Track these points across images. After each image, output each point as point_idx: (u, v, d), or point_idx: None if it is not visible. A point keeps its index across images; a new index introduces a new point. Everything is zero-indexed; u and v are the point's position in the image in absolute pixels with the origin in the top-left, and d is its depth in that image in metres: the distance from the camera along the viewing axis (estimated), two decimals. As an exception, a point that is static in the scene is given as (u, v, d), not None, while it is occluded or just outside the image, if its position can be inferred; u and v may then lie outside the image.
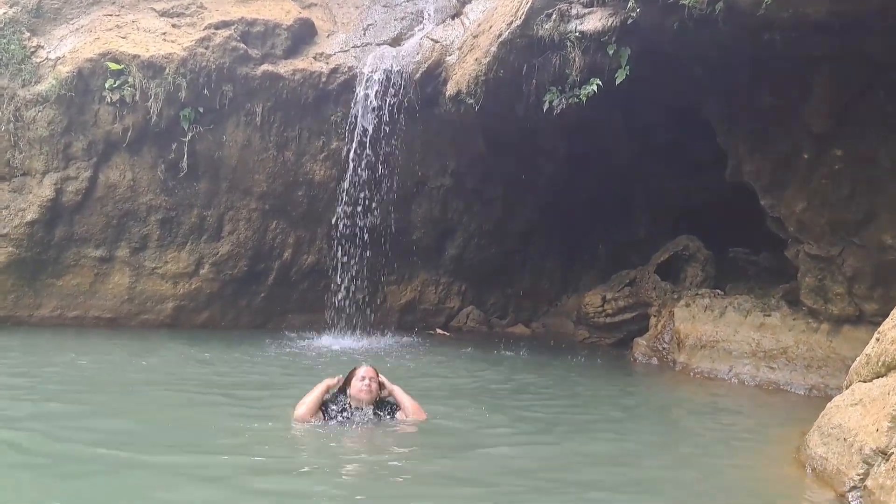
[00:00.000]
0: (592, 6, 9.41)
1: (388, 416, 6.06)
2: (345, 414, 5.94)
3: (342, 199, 11.76)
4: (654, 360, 10.99)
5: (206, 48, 10.69)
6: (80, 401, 6.58)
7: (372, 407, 6.02)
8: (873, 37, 7.54)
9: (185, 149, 10.86)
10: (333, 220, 11.89)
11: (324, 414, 5.92)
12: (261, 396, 7.13)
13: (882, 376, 4.94)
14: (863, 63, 8.21)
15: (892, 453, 4.13)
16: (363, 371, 6.08)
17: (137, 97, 10.40)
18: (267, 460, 5.06)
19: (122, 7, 11.14)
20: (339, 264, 12.00)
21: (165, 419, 6.11)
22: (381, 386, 6.12)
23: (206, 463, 4.96)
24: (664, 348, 11.04)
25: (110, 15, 10.97)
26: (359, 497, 4.52)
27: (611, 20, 9.18)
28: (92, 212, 10.75)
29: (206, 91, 10.72)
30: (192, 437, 5.61)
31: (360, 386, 5.99)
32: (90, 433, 5.46)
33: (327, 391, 6.04)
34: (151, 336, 10.56)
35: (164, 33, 10.90)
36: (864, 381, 5.18)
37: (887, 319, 5.20)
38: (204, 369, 8.50)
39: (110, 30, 10.75)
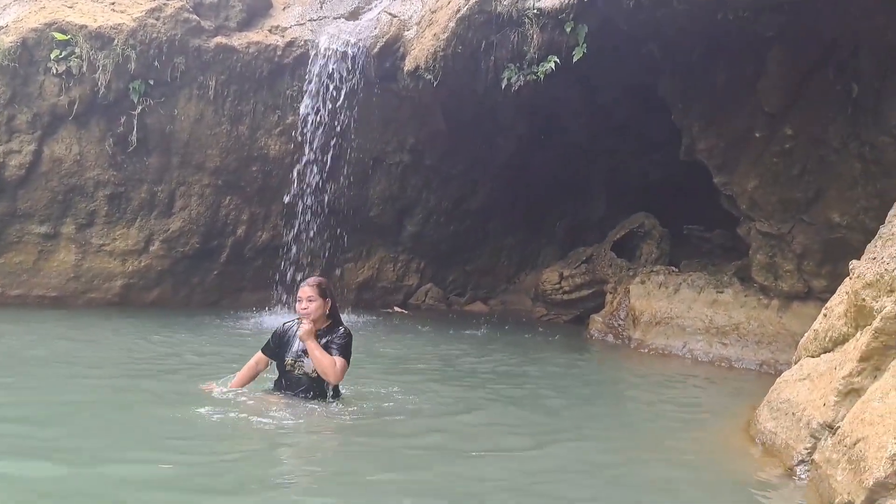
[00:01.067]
0: (551, -18, 9.37)
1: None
2: (300, 345, 5.61)
3: (297, 175, 11.60)
4: (610, 337, 11.11)
5: (157, 19, 10.40)
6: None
7: (325, 332, 5.62)
8: (824, 16, 7.63)
9: (135, 122, 10.57)
10: (288, 197, 11.72)
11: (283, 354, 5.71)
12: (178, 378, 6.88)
13: (829, 351, 5.02)
14: (813, 42, 8.31)
15: (839, 427, 4.21)
16: (300, 292, 5.64)
17: (85, 69, 10.08)
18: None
19: (69, -25, 10.77)
20: (294, 241, 11.86)
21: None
22: (325, 300, 5.61)
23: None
24: (620, 325, 11.16)
25: (56, -17, 10.60)
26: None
27: (568, -3, 9.15)
28: (36, 187, 10.42)
29: (156, 63, 10.44)
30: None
31: (299, 309, 5.61)
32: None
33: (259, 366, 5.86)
34: (90, 315, 10.22)
35: (112, 3, 10.56)
36: (812, 357, 5.27)
37: (834, 296, 5.29)
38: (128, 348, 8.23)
39: (56, -1, 10.39)
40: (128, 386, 6.31)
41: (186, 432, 4.94)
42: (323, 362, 5.47)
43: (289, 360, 5.72)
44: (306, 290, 5.61)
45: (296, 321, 5.75)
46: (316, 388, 5.71)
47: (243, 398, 5.73)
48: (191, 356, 7.93)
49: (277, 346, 5.81)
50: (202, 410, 5.35)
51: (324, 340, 5.59)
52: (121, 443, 4.63)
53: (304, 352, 5.62)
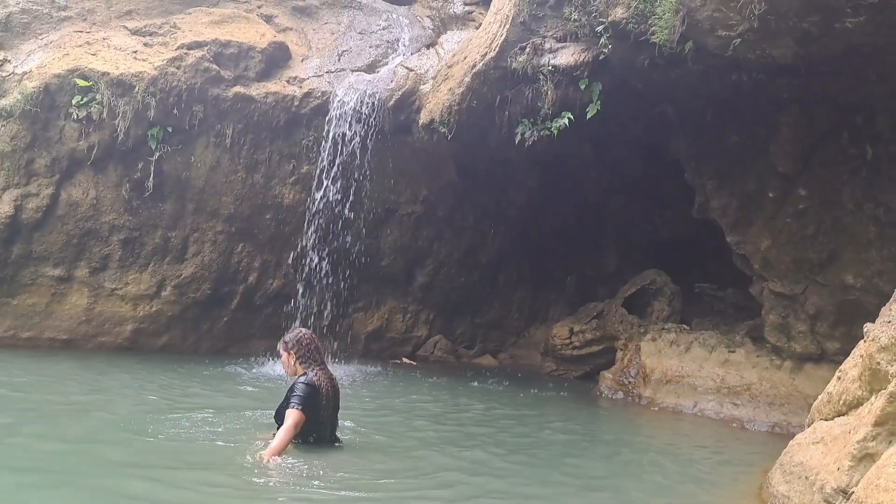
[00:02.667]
0: (566, 41, 9.53)
1: None
2: None
3: (310, 224, 11.66)
4: (620, 395, 10.97)
5: (178, 68, 10.60)
6: None
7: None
8: (838, 80, 7.69)
9: (152, 168, 10.70)
10: (301, 245, 11.77)
11: None
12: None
13: (843, 415, 4.94)
14: (828, 106, 8.36)
15: (853, 492, 4.11)
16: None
17: (105, 115, 10.25)
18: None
19: (94, 24, 11.03)
20: (305, 290, 11.86)
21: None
22: (288, 352, 5.99)
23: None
24: (630, 382, 11.03)
25: (81, 31, 10.85)
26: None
27: (583, 55, 9.30)
28: (52, 230, 10.51)
29: (175, 111, 10.61)
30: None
31: None
32: None
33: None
34: (97, 359, 10.21)
35: (135, 52, 10.79)
36: (826, 420, 5.18)
37: (848, 358, 5.22)
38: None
39: (80, 46, 10.62)
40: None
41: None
42: (279, 443, 5.55)
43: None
44: (279, 345, 6.11)
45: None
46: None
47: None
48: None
49: None
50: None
51: (289, 392, 5.85)
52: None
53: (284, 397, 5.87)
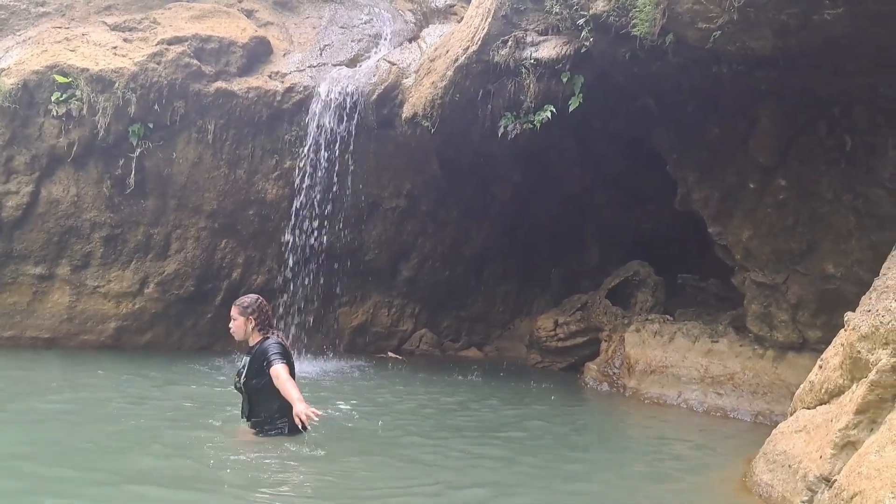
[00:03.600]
0: (547, 34, 9.55)
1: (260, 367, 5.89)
2: (241, 362, 6.10)
3: (294, 219, 11.63)
4: (605, 386, 11.03)
5: (158, 63, 10.53)
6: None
7: (255, 346, 5.98)
8: (816, 73, 7.76)
9: (133, 165, 10.63)
10: (284, 240, 11.74)
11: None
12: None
13: (825, 403, 5.01)
14: (806, 98, 8.44)
15: (835, 480, 4.18)
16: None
17: (85, 111, 10.17)
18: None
19: (73, 20, 10.94)
20: (290, 285, 11.84)
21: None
22: (247, 318, 5.98)
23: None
24: (615, 373, 11.10)
25: (59, 27, 10.75)
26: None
27: (565, 48, 9.32)
28: (32, 228, 10.43)
29: (156, 107, 10.54)
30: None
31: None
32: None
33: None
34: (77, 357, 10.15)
35: (114, 47, 10.70)
36: (808, 408, 5.25)
37: (829, 347, 5.29)
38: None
39: (59, 42, 10.52)
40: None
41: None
42: (286, 389, 5.68)
43: (235, 377, 5.97)
44: (232, 310, 6.12)
45: None
46: (251, 402, 5.97)
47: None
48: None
49: None
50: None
51: (253, 360, 5.91)
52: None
53: (242, 367, 5.99)
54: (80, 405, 7.25)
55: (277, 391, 5.73)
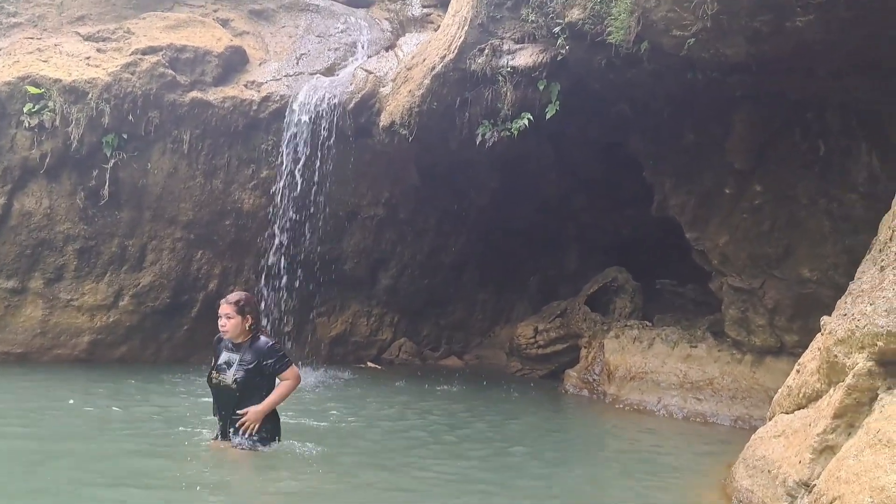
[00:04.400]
0: (524, 42, 9.56)
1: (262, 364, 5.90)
2: (224, 358, 5.96)
3: (271, 229, 11.55)
4: (585, 392, 11.04)
5: (133, 74, 10.42)
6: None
7: (243, 343, 5.92)
8: (789, 78, 7.83)
9: (107, 176, 10.48)
10: (262, 250, 11.65)
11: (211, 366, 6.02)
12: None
13: (803, 408, 5.02)
14: (780, 102, 8.51)
15: (814, 485, 4.18)
16: (220, 309, 5.98)
17: (58, 122, 10.03)
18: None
19: (45, 30, 10.79)
20: (267, 295, 11.74)
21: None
22: (244, 317, 5.91)
23: None
24: (594, 380, 11.11)
25: (31, 38, 10.60)
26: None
27: (541, 56, 9.34)
28: (4, 241, 10.25)
29: (130, 117, 10.41)
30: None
31: (219, 326, 5.97)
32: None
33: None
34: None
35: (88, 58, 10.58)
36: (787, 413, 5.26)
37: (807, 351, 5.31)
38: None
39: (31, 53, 10.38)
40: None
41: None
42: (286, 395, 5.92)
43: (213, 373, 5.88)
44: (225, 307, 5.96)
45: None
46: (241, 399, 5.87)
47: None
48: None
49: (212, 356, 6.15)
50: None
51: (251, 359, 5.85)
52: None
53: (227, 364, 5.91)
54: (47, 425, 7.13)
55: (268, 389, 5.81)
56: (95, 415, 7.49)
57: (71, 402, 7.86)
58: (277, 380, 5.97)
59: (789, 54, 7.08)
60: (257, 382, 5.89)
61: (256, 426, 5.80)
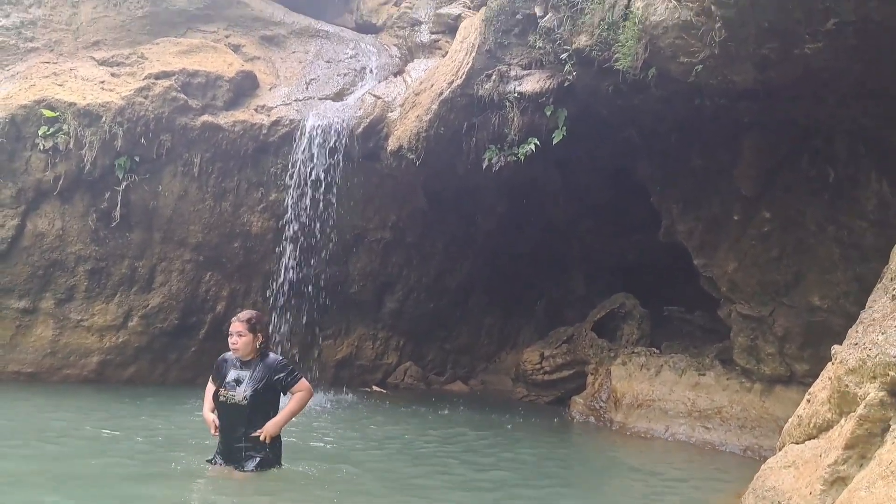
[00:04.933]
0: (531, 68, 9.64)
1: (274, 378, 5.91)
2: (233, 375, 5.91)
3: (279, 252, 11.59)
4: (592, 419, 10.97)
5: (146, 97, 10.53)
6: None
7: (252, 360, 5.90)
8: (797, 104, 7.85)
9: (119, 198, 10.57)
10: (269, 273, 11.68)
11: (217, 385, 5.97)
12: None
13: (814, 438, 4.97)
14: (788, 129, 8.53)
15: (825, 516, 4.14)
16: (231, 327, 5.97)
17: (71, 145, 10.13)
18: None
19: (61, 55, 10.94)
20: (274, 318, 11.75)
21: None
22: (255, 335, 5.91)
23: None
24: (601, 407, 11.05)
25: (48, 62, 10.75)
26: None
27: (548, 82, 9.41)
28: (17, 261, 10.31)
29: (143, 140, 10.51)
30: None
31: (230, 343, 5.96)
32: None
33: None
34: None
35: (102, 82, 10.71)
36: (797, 443, 5.21)
37: (817, 381, 5.27)
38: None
39: (47, 77, 10.52)
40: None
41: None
42: (301, 407, 5.95)
43: (221, 391, 5.84)
44: (236, 325, 5.96)
45: (231, 354, 6.03)
46: (252, 417, 5.84)
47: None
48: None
49: (216, 375, 6.07)
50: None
51: (262, 376, 5.84)
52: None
53: (236, 381, 5.88)
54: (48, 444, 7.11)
55: (275, 407, 5.85)
56: (97, 437, 7.47)
57: (87, 427, 7.82)
58: (289, 394, 5.98)
59: (797, 81, 7.11)
60: (268, 399, 5.89)
61: (268, 438, 5.84)
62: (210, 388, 6.06)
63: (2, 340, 10.36)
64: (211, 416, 5.94)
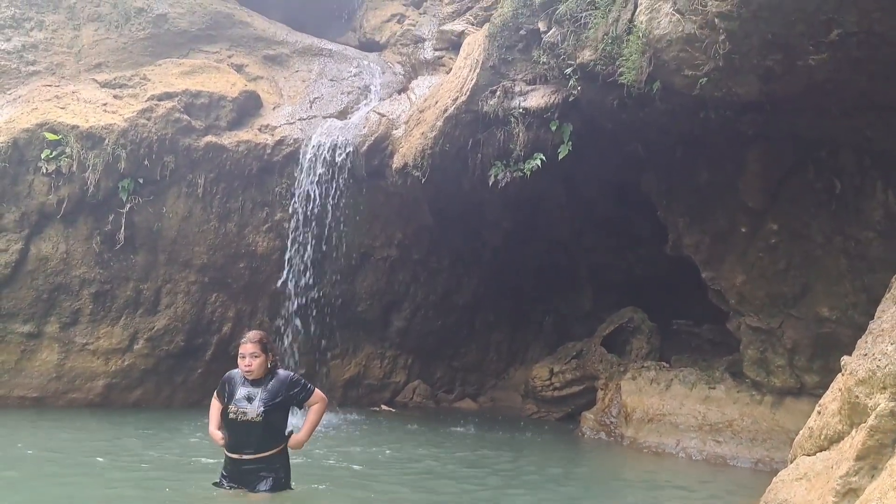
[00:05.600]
0: (535, 84, 9.64)
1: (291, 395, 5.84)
2: (242, 393, 5.78)
3: (285, 272, 11.57)
4: (603, 435, 10.87)
5: (149, 119, 10.57)
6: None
7: (262, 378, 5.79)
8: (802, 116, 7.82)
9: (123, 220, 10.58)
10: (275, 293, 11.65)
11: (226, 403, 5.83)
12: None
13: (825, 450, 4.91)
14: (793, 141, 8.50)
15: (839, 531, 4.07)
16: (242, 349, 5.84)
17: (74, 168, 10.15)
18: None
19: (63, 78, 11.00)
20: (281, 338, 11.72)
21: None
22: (267, 355, 5.81)
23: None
24: (612, 422, 10.95)
25: (50, 85, 10.80)
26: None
27: (553, 97, 9.40)
28: (21, 286, 10.30)
29: (146, 162, 10.54)
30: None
31: (241, 366, 5.81)
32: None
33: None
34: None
35: (104, 104, 10.75)
36: (808, 455, 5.14)
37: (827, 392, 5.20)
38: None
39: (49, 100, 10.56)
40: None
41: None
42: (320, 418, 5.94)
43: (232, 408, 5.73)
44: (249, 346, 5.85)
45: (237, 373, 5.90)
46: (265, 434, 5.74)
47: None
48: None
49: (223, 393, 5.92)
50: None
51: (276, 392, 5.75)
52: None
53: (247, 399, 5.76)
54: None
55: (286, 421, 5.85)
56: (101, 462, 7.43)
57: (100, 459, 7.76)
58: (305, 408, 5.95)
59: (802, 93, 7.08)
60: (281, 416, 5.84)
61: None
62: (216, 405, 5.97)
63: (7, 365, 10.33)
64: (218, 433, 5.87)
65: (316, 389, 5.94)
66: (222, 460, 5.90)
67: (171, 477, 6.80)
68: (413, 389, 13.72)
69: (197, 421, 10.01)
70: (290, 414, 5.98)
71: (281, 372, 5.94)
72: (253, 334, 5.97)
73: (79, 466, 7.14)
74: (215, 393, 6.02)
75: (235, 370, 5.96)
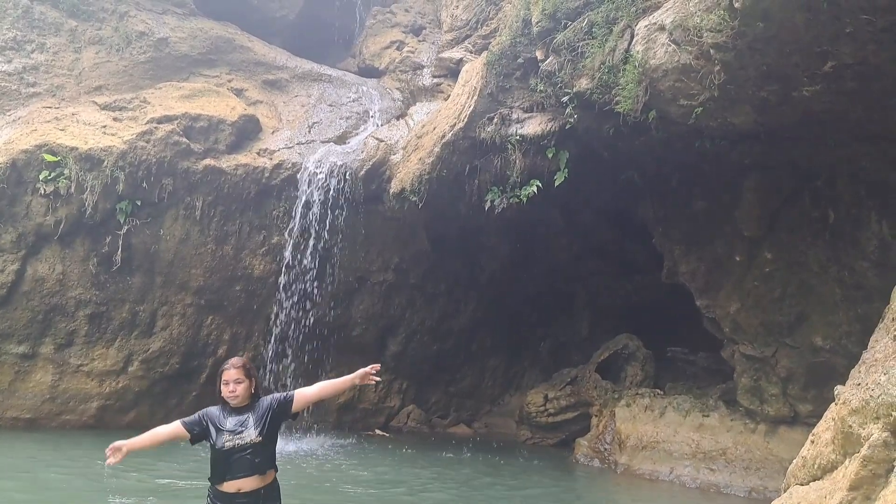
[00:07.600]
0: (532, 111, 9.74)
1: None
2: (231, 423, 5.60)
3: (281, 295, 11.57)
4: (596, 462, 10.84)
5: (148, 142, 10.61)
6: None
7: (246, 406, 5.42)
8: (797, 146, 7.90)
9: (120, 242, 10.59)
10: (271, 316, 11.64)
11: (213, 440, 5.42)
12: None
13: (818, 479, 4.90)
14: (789, 170, 8.57)
15: (832, 561, 4.06)
16: (226, 375, 5.46)
17: (73, 189, 10.17)
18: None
19: (63, 100, 11.06)
20: (276, 361, 11.68)
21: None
22: (251, 380, 5.51)
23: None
24: (606, 449, 10.92)
25: (50, 107, 10.86)
26: None
27: (550, 125, 9.49)
28: (17, 306, 10.29)
29: (144, 184, 10.57)
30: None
31: (226, 393, 5.65)
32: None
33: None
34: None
35: (104, 126, 10.80)
36: (802, 484, 5.14)
37: (821, 421, 5.21)
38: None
39: (49, 122, 10.61)
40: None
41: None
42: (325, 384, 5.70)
43: (226, 438, 5.52)
44: (233, 372, 5.54)
45: (215, 409, 5.52)
46: (265, 451, 5.47)
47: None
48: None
49: (201, 429, 5.46)
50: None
51: (265, 411, 5.48)
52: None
53: (241, 425, 5.43)
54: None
55: (276, 440, 5.65)
56: (94, 487, 7.38)
57: (85, 477, 7.71)
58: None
59: (797, 123, 7.16)
60: (275, 431, 5.72)
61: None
62: (175, 430, 5.47)
63: (0, 386, 10.28)
64: (129, 441, 5.54)
65: (294, 390, 5.77)
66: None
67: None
68: (407, 414, 13.67)
69: (195, 447, 9.95)
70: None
71: (260, 395, 5.86)
72: (236, 360, 5.85)
73: (60, 490, 7.07)
74: (180, 422, 5.52)
75: (212, 407, 5.78)
